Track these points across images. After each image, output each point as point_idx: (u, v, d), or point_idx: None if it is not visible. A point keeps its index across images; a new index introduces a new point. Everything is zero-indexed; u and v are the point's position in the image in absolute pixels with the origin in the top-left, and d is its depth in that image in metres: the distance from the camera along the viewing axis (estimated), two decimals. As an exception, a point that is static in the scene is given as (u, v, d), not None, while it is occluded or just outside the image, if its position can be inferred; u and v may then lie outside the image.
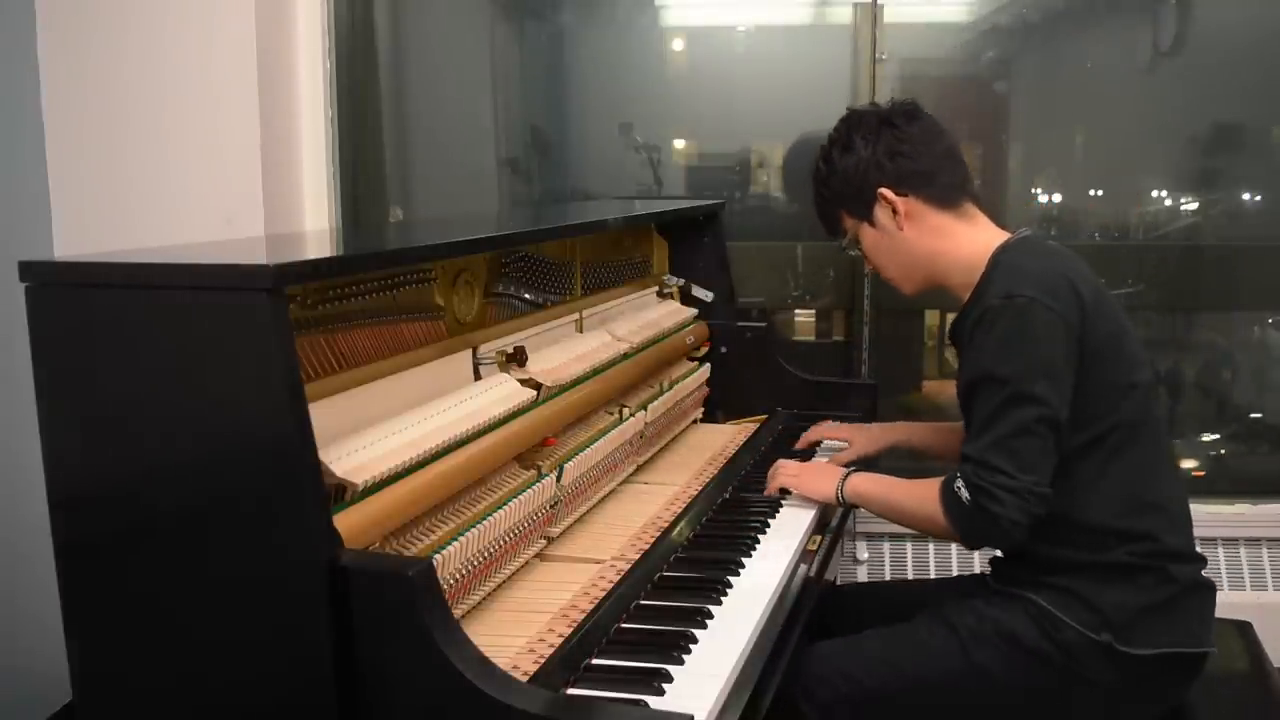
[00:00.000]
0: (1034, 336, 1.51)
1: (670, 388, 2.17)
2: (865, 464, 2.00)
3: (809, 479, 1.83)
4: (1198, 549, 1.62)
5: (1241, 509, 2.62)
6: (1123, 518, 1.55)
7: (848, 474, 1.79)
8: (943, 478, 1.58)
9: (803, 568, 1.64)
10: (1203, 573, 1.59)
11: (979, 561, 2.67)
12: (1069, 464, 1.54)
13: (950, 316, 1.75)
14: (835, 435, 2.14)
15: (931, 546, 2.73)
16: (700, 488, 1.90)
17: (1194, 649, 1.54)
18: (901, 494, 1.69)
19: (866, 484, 1.76)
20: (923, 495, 1.61)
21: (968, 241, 1.68)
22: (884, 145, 1.70)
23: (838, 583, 2.45)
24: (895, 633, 1.65)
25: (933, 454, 2.03)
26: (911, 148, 1.70)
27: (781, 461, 1.90)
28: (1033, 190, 2.85)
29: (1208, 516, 2.56)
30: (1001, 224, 1.74)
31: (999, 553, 1.71)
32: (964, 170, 1.74)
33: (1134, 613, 1.53)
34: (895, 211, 1.70)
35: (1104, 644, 1.52)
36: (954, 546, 2.71)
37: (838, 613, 1.86)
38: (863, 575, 2.72)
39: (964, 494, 1.52)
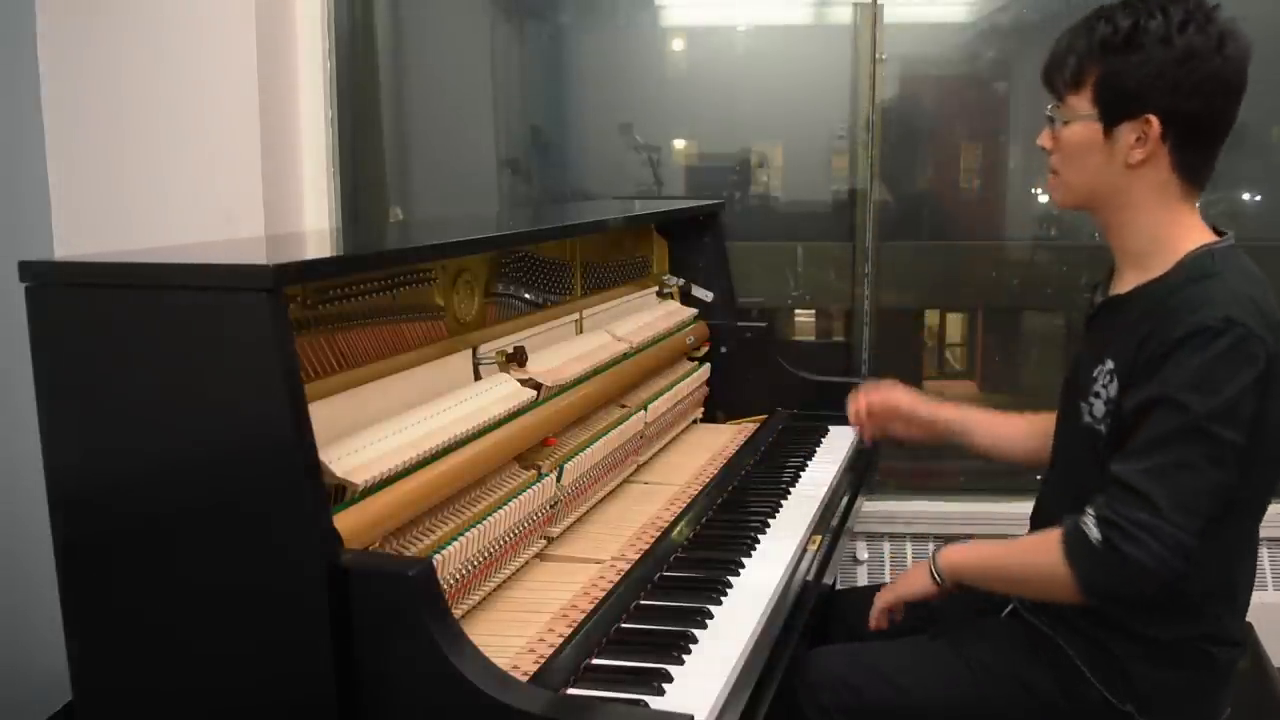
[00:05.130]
0: (1241, 377, 1.30)
1: (670, 388, 2.17)
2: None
3: (901, 583, 1.62)
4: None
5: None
6: (1206, 596, 1.42)
7: (934, 554, 1.57)
8: (1063, 524, 1.38)
9: (803, 568, 1.64)
10: None
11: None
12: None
13: (953, 316, 1.69)
14: (884, 392, 1.92)
15: (931, 548, 2.73)
16: (700, 488, 1.90)
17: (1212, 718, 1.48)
18: (1007, 552, 1.48)
19: (961, 553, 1.54)
20: (1036, 545, 1.41)
21: (1175, 217, 1.43)
22: (1204, 76, 1.36)
23: (838, 583, 2.45)
24: (903, 648, 1.58)
25: (995, 447, 1.83)
26: (1222, 99, 1.39)
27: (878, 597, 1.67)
28: (1033, 190, 2.85)
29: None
30: (1001, 225, 1.71)
31: None
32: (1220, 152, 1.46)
33: (1168, 690, 1.43)
34: (1141, 143, 1.39)
35: (1125, 713, 1.43)
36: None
37: (839, 614, 1.85)
38: (863, 575, 2.72)
39: (1093, 532, 1.31)
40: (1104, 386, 1.43)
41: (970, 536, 2.44)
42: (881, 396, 1.92)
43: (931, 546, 2.73)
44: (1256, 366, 1.30)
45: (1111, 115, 1.40)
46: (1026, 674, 1.48)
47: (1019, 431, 1.79)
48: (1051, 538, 1.37)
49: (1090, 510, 1.33)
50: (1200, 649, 1.43)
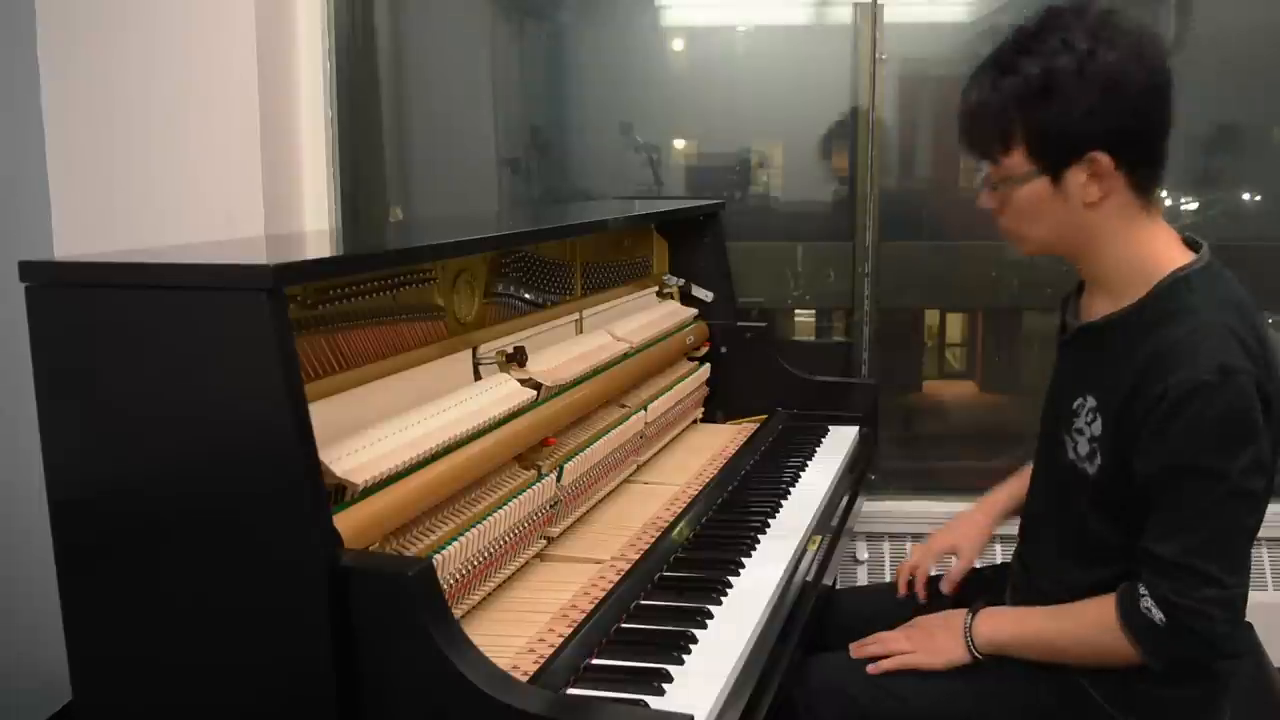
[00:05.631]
0: (1254, 425, 1.26)
1: (670, 388, 2.17)
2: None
3: (927, 646, 1.51)
4: None
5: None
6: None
7: (970, 622, 1.49)
8: (1115, 595, 1.34)
9: (803, 568, 1.64)
10: None
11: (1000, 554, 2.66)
12: None
13: (953, 316, 1.64)
14: (939, 550, 1.77)
15: (966, 618, 2.71)
16: (700, 488, 1.90)
17: None
18: (1058, 629, 1.42)
19: (1003, 627, 1.47)
20: (1091, 622, 1.37)
21: (1142, 239, 1.37)
22: (1134, 96, 1.29)
23: (838, 583, 2.45)
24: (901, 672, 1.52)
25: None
26: (1158, 114, 1.32)
27: (880, 636, 1.57)
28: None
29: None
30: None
31: (1029, 571, 1.54)
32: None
33: (1170, 704, 1.41)
34: (1096, 181, 1.32)
35: None
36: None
37: (838, 614, 1.85)
38: (863, 575, 2.72)
39: (1157, 615, 1.28)
40: (1087, 424, 1.39)
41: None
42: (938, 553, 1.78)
43: (890, 546, 2.73)
44: (1258, 407, 1.27)
45: (1055, 166, 1.33)
46: (1027, 686, 1.45)
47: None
48: (1108, 614, 1.34)
49: (1145, 593, 1.30)
50: (1211, 671, 1.41)
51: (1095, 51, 1.29)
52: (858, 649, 1.57)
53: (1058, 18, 1.33)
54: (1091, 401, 1.39)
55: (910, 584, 1.75)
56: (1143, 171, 1.34)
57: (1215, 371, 1.25)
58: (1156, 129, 1.33)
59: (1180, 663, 1.34)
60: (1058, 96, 1.30)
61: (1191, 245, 1.41)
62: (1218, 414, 1.25)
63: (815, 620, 1.63)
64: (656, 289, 2.43)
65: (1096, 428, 1.38)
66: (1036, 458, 1.58)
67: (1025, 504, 1.62)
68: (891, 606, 1.75)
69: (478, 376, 1.62)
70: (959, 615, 1.51)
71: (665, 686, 1.20)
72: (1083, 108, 1.29)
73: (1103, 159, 1.31)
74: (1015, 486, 1.77)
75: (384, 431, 1.32)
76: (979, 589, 1.67)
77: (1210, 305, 1.32)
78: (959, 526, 1.78)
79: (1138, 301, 1.36)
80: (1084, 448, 1.40)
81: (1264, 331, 1.35)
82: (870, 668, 1.52)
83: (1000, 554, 2.44)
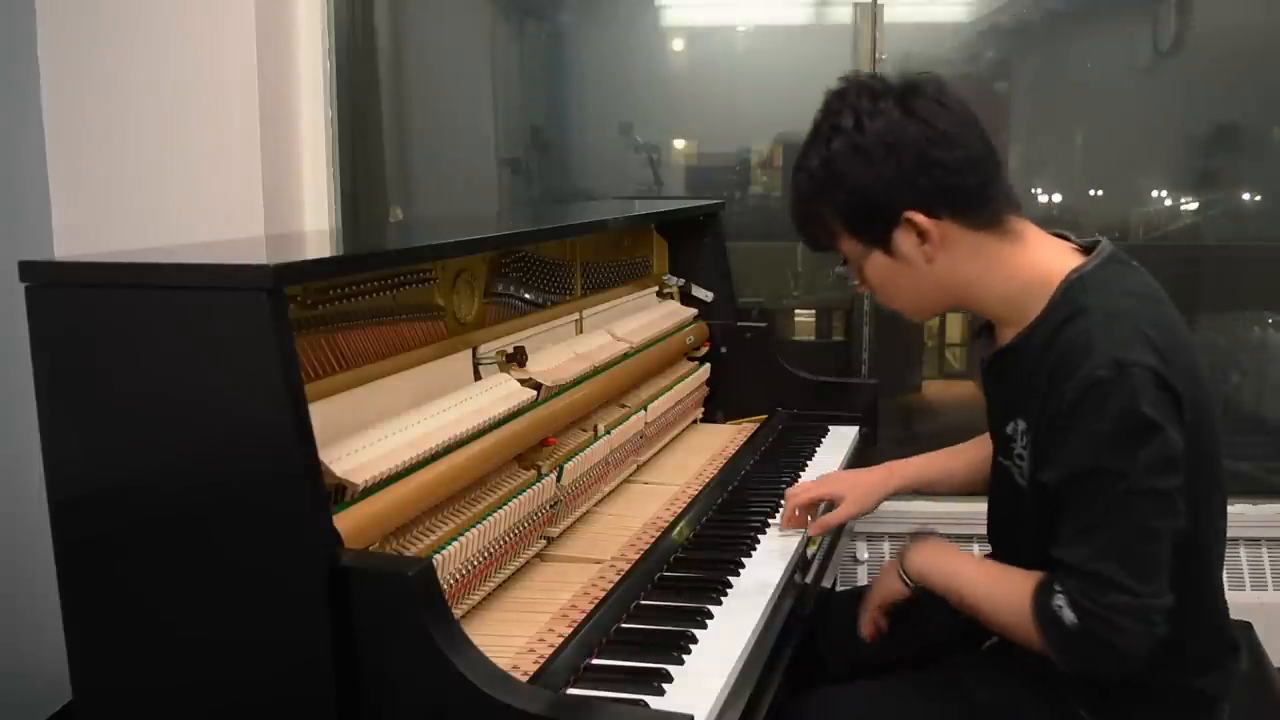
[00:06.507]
0: (1155, 419, 1.19)
1: (670, 388, 2.17)
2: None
3: (876, 589, 1.54)
4: None
5: (1242, 509, 2.61)
6: (1216, 633, 1.38)
7: (902, 550, 1.50)
8: (1036, 580, 1.28)
9: (803, 568, 1.64)
10: None
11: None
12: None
13: (953, 316, 1.62)
14: (816, 495, 1.72)
15: (891, 547, 2.73)
16: (700, 488, 1.90)
17: None
18: (985, 590, 1.37)
19: (927, 560, 1.47)
20: (1008, 594, 1.32)
21: (1016, 266, 1.34)
22: (913, 149, 1.29)
23: (838, 583, 2.45)
24: (901, 689, 1.49)
25: (953, 487, 1.74)
26: (949, 153, 1.30)
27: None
28: (1033, 191, 2.85)
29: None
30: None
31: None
32: (1004, 175, 1.37)
33: None
34: (925, 239, 1.33)
35: None
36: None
37: (836, 614, 1.84)
38: (863, 575, 2.72)
39: (1068, 615, 1.22)
40: (1024, 448, 1.36)
41: (970, 536, 2.45)
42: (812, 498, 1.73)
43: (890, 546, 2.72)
44: (1165, 399, 1.20)
45: (879, 238, 1.35)
46: (1025, 715, 1.40)
47: (965, 462, 1.73)
48: (1024, 596, 1.28)
49: (1060, 591, 1.23)
50: (1195, 689, 1.38)
51: (861, 125, 1.31)
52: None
53: (827, 106, 1.37)
54: (1022, 425, 1.35)
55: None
56: (970, 210, 1.32)
57: (1110, 366, 1.20)
58: (961, 168, 1.31)
59: (1085, 668, 1.27)
60: (845, 179, 1.32)
61: (1086, 248, 1.38)
62: (1115, 410, 1.19)
63: (815, 620, 1.64)
64: (656, 289, 2.43)
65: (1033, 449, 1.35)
66: (990, 488, 1.53)
67: (987, 528, 1.57)
68: (890, 606, 1.74)
69: (478, 376, 1.62)
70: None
71: (665, 686, 1.20)
72: (872, 180, 1.31)
73: (917, 217, 1.31)
74: (931, 462, 1.74)
75: (384, 431, 1.32)
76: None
77: (1106, 300, 1.27)
78: (853, 479, 1.74)
79: (1037, 317, 1.32)
80: (1027, 470, 1.36)
81: (1173, 321, 1.31)
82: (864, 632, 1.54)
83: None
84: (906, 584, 1.49)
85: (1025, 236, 1.36)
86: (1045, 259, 1.35)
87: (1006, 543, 1.50)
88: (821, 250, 1.44)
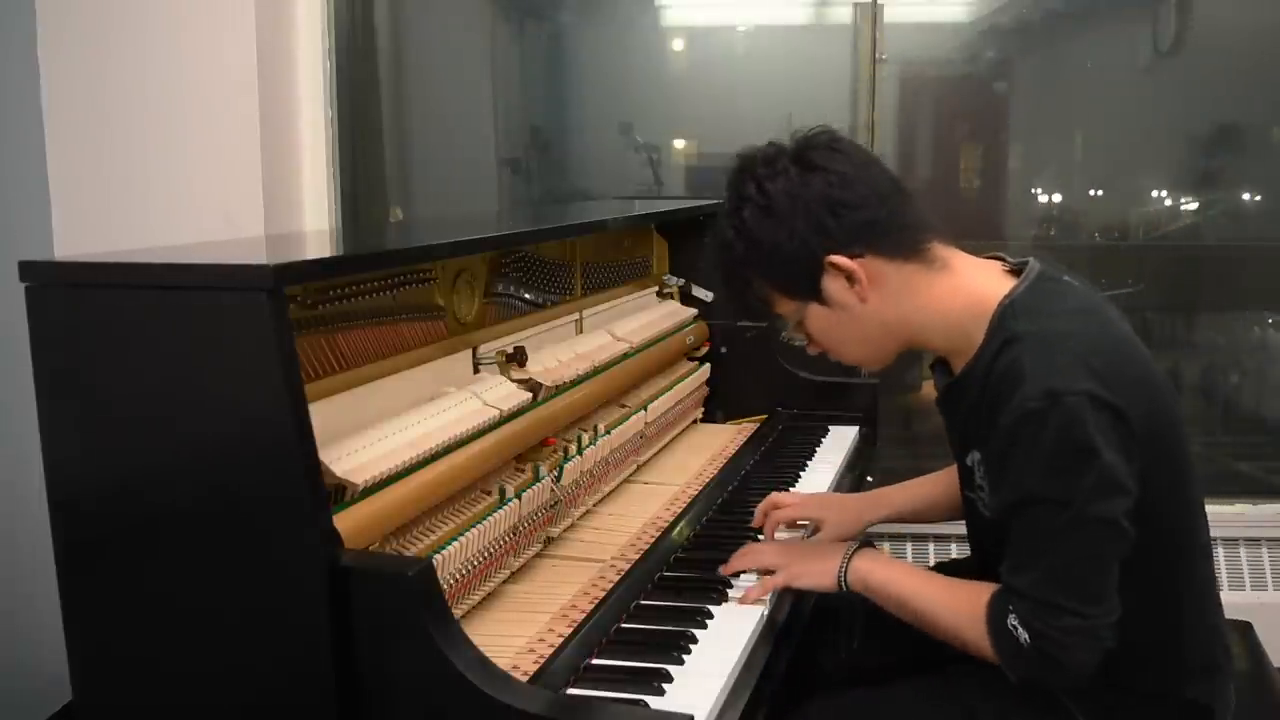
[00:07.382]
0: (1093, 446, 1.18)
1: (670, 388, 2.17)
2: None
3: (797, 568, 1.46)
4: None
5: (1241, 509, 2.62)
6: (1205, 642, 1.37)
7: (851, 552, 1.45)
8: (989, 593, 1.29)
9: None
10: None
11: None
12: (1140, 571, 1.26)
13: None
14: (799, 515, 1.70)
15: (932, 547, 2.73)
16: (700, 488, 1.90)
17: None
18: (931, 600, 1.36)
19: (879, 572, 1.42)
20: (960, 608, 1.32)
21: (948, 294, 1.35)
22: (817, 197, 1.33)
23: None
24: (900, 696, 1.46)
25: (938, 515, 1.72)
26: (852, 192, 1.33)
27: (752, 547, 1.54)
28: (1033, 191, 2.85)
29: (1208, 516, 2.55)
30: (1001, 224, 1.67)
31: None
32: (916, 203, 1.41)
33: None
34: (853, 280, 1.34)
35: None
36: (960, 549, 2.70)
37: (833, 614, 1.84)
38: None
39: (1022, 635, 1.23)
40: (982, 479, 1.36)
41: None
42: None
43: (890, 547, 2.73)
44: (1105, 419, 1.19)
45: (811, 290, 1.36)
46: None
47: (945, 489, 1.70)
48: (976, 607, 1.29)
49: (1014, 611, 1.24)
50: (1189, 699, 1.37)
51: (764, 188, 1.35)
52: (726, 567, 1.51)
53: (730, 183, 1.41)
54: (978, 455, 1.36)
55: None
56: (887, 242, 1.34)
57: (1040, 397, 1.19)
58: (867, 202, 1.34)
59: (1036, 681, 1.29)
60: (762, 243, 1.35)
61: (1017, 270, 1.37)
62: (1050, 440, 1.19)
63: (815, 620, 1.63)
64: (656, 289, 2.43)
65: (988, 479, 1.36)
66: (964, 518, 1.53)
67: (969, 558, 1.57)
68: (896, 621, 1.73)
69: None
70: (842, 546, 1.47)
71: (665, 686, 1.20)
72: (786, 237, 1.34)
73: (839, 259, 1.33)
74: (918, 490, 1.74)
75: (384, 431, 1.32)
76: None
77: (1037, 324, 1.27)
78: (839, 506, 1.73)
79: (981, 345, 1.32)
80: (989, 500, 1.36)
81: (1115, 335, 1.30)
82: (722, 568, 1.50)
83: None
84: (842, 589, 1.45)
85: (952, 264, 1.37)
86: (978, 285, 1.35)
87: (989, 572, 1.45)
88: (754, 318, 1.45)
